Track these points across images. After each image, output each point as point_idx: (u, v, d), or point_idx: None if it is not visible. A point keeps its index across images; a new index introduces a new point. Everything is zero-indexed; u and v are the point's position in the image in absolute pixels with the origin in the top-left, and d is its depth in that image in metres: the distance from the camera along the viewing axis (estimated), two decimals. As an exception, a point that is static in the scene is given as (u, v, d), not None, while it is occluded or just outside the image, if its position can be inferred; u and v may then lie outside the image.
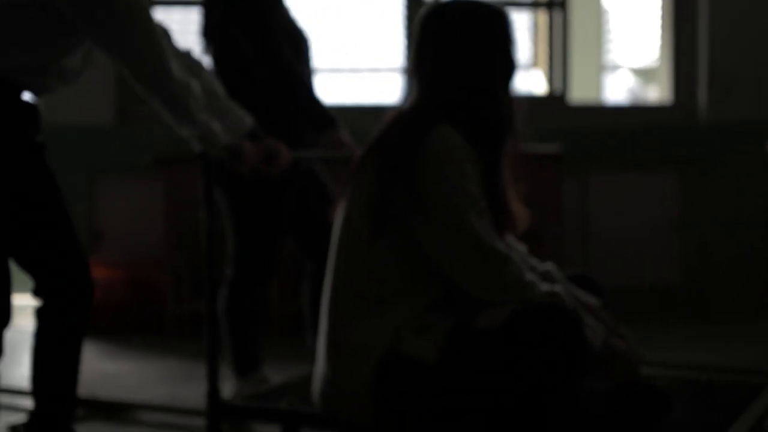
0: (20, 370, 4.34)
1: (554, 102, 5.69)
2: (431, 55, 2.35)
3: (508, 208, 2.39)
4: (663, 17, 5.95)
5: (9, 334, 5.00)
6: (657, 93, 6.19)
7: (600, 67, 9.33)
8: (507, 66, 2.38)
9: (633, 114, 5.89)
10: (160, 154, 4.99)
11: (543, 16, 5.98)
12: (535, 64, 8.34)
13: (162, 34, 2.59)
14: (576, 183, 5.52)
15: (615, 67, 9.75)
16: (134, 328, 4.94)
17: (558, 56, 5.68)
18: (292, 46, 3.48)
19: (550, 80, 5.75)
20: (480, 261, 2.21)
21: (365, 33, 7.17)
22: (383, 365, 2.22)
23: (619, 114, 5.88)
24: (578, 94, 6.67)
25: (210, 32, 3.53)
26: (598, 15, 9.17)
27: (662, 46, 5.93)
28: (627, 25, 9.52)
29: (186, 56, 2.80)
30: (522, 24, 8.44)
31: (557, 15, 5.68)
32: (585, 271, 2.64)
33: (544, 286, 2.27)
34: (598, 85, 9.20)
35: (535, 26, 7.88)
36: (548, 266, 2.51)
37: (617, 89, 9.69)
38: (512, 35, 2.39)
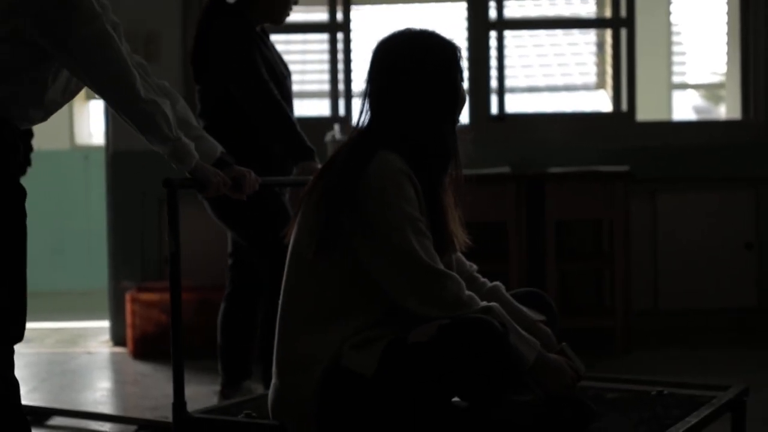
0: (93, 395, 4.40)
1: (621, 120, 5.64)
2: (380, 83, 2.48)
3: (449, 230, 2.49)
4: (730, 33, 5.88)
5: (82, 359, 5.07)
6: (727, 111, 6.11)
7: (668, 86, 9.23)
8: (453, 96, 2.49)
9: (702, 131, 5.81)
10: (228, 179, 5.04)
11: (609, 34, 5.95)
12: (600, 82, 8.29)
13: (137, 64, 2.72)
14: (644, 202, 5.47)
15: (683, 85, 9.64)
16: (204, 351, 4.98)
17: (624, 74, 5.64)
18: (276, 83, 3.77)
19: (617, 99, 5.71)
20: (419, 279, 2.33)
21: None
22: (326, 379, 2.35)
23: (688, 131, 5.81)
24: (646, 113, 6.60)
25: (199, 76, 3.85)
26: (665, 33, 9.08)
27: (730, 61, 5.86)
28: (695, 42, 9.41)
29: (163, 87, 2.93)
30: (587, 43, 8.41)
31: (623, 33, 5.65)
32: (535, 289, 2.76)
33: (482, 303, 2.36)
34: (666, 104, 9.10)
35: (601, 45, 7.84)
36: (496, 283, 2.64)
37: (686, 108, 9.57)
38: (460, 66, 2.50)
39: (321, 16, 5.91)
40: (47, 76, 2.60)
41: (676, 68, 9.39)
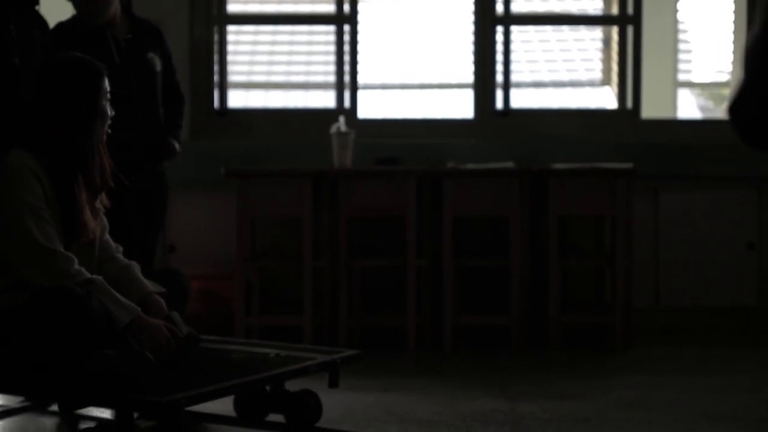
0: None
1: (626, 117, 5.65)
2: (36, 99, 3.08)
3: (82, 220, 3.06)
4: (737, 32, 5.88)
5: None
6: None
7: (673, 84, 9.21)
8: (89, 112, 3.08)
9: (707, 129, 5.81)
10: (232, 169, 5.05)
11: (615, 31, 5.95)
12: (606, 79, 8.28)
13: None
14: (647, 199, 5.47)
15: (689, 84, 9.63)
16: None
17: (630, 72, 5.64)
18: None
19: (622, 96, 5.71)
20: (34, 256, 2.95)
21: (435, 49, 7.17)
22: None
23: (693, 129, 5.81)
24: (651, 110, 6.59)
25: None
26: (672, 31, 9.06)
27: (736, 61, 5.86)
28: (702, 40, 9.41)
29: None
30: (594, 39, 8.39)
31: (630, 30, 5.65)
32: (174, 268, 3.45)
33: (87, 276, 2.95)
34: (671, 102, 9.08)
35: (607, 42, 7.82)
36: (131, 262, 3.23)
37: (691, 106, 9.56)
38: (100, 87, 3.10)
39: (328, 7, 5.90)
40: None
41: (681, 66, 9.38)
